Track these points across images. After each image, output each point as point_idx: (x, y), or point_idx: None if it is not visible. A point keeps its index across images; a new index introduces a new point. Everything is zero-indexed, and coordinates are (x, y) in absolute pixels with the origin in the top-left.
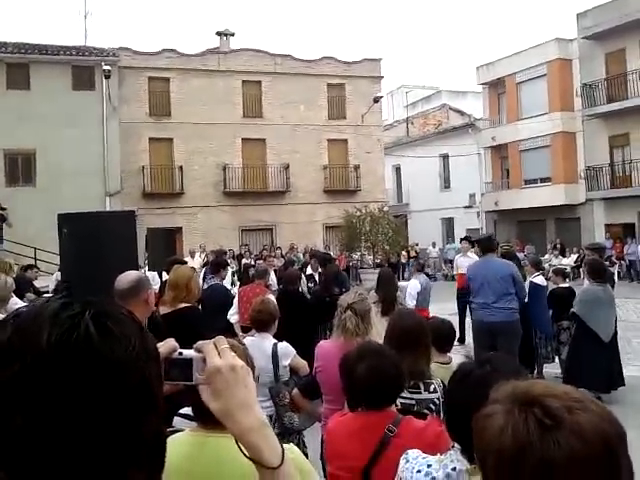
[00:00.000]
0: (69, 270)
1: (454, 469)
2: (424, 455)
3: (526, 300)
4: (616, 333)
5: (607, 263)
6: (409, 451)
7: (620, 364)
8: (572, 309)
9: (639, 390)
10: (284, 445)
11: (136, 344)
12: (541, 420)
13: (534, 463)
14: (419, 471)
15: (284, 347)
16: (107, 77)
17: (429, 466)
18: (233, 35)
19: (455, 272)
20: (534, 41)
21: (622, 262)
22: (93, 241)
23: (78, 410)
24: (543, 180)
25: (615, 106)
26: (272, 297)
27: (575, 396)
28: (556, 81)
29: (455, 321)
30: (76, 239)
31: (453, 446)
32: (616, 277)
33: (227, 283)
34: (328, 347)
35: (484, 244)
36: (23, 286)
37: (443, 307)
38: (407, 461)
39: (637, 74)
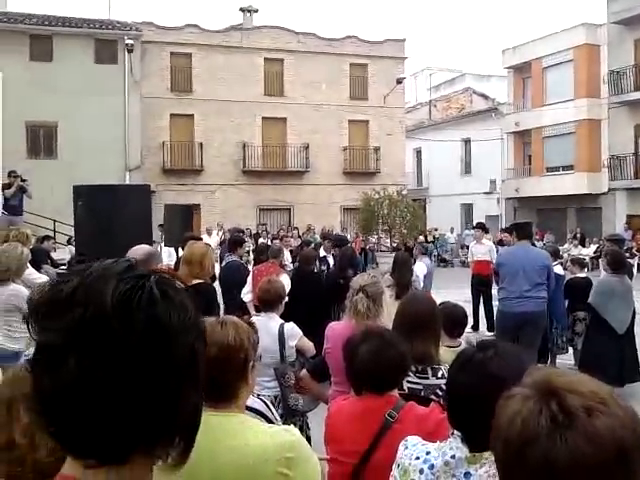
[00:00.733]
0: (83, 243)
1: (453, 457)
2: (424, 442)
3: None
4: (632, 325)
5: (627, 255)
6: (409, 437)
7: (637, 357)
8: (588, 300)
9: None
10: (286, 427)
11: (191, 316)
12: (554, 415)
13: (536, 459)
14: (417, 458)
15: (291, 328)
16: (130, 51)
17: (428, 453)
18: (257, 11)
19: (470, 259)
20: (562, 25)
21: None
22: (108, 214)
23: (128, 364)
24: (565, 168)
25: None
26: (286, 276)
27: (602, 396)
28: (583, 67)
29: (469, 308)
30: (91, 212)
31: (452, 433)
32: (635, 269)
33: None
34: (339, 329)
35: (521, 230)
36: (39, 257)
37: (460, 293)
38: (406, 447)
39: None
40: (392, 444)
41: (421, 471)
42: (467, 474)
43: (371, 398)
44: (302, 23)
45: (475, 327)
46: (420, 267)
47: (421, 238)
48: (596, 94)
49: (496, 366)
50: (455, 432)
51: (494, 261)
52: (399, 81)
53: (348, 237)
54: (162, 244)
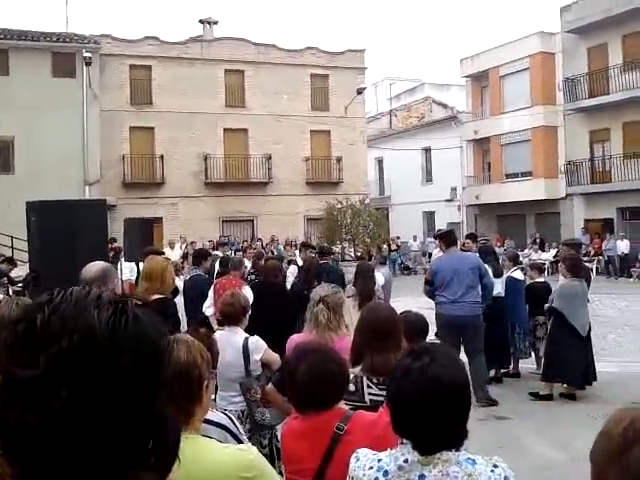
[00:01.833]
0: (37, 260)
1: (406, 460)
2: (374, 452)
3: (500, 292)
4: (590, 328)
5: (586, 259)
6: (359, 450)
7: (593, 359)
8: (548, 304)
9: (614, 385)
10: (243, 446)
11: (166, 334)
12: None
13: (639, 458)
14: (371, 467)
15: (255, 341)
16: (88, 64)
17: (379, 461)
18: (216, 23)
19: None
20: (518, 34)
21: (600, 258)
22: (62, 230)
23: (123, 388)
24: (524, 174)
25: (596, 101)
26: (249, 289)
27: None
28: (539, 75)
29: (432, 315)
30: (44, 228)
31: (402, 442)
32: (594, 273)
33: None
34: (299, 340)
35: (447, 238)
36: None
37: (421, 301)
38: (357, 459)
39: (618, 69)
40: (344, 456)
41: (376, 479)
42: (422, 476)
43: (318, 414)
44: (262, 34)
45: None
46: (378, 277)
47: (385, 247)
48: (552, 101)
49: (435, 370)
50: (404, 440)
51: None
52: (359, 91)
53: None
54: (123, 259)
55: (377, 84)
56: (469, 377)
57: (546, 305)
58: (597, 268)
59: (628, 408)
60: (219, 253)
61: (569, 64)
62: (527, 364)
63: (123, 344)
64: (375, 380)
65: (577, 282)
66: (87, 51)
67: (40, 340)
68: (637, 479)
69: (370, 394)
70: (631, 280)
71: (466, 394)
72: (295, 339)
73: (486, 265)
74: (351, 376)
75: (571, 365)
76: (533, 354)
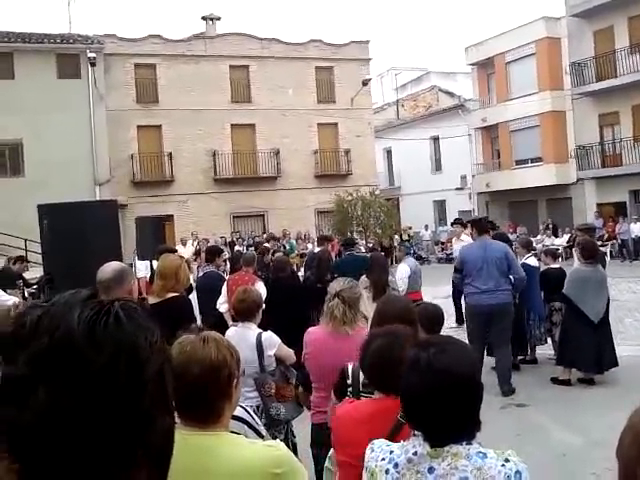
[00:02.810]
0: (51, 262)
1: (415, 453)
2: (388, 443)
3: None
4: (607, 313)
5: (600, 243)
6: (375, 441)
7: (612, 345)
8: (563, 290)
9: (632, 369)
10: (272, 442)
11: (157, 338)
12: None
13: None
14: (383, 459)
15: (269, 337)
16: (92, 65)
17: (391, 452)
18: (219, 19)
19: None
20: (522, 20)
21: (614, 241)
22: (74, 232)
23: (99, 389)
24: (534, 160)
25: (604, 84)
26: (262, 285)
27: None
28: (545, 60)
29: (448, 304)
30: (57, 230)
31: (414, 433)
32: (608, 257)
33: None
34: (316, 334)
35: (479, 225)
36: (6, 279)
37: (437, 290)
38: (372, 450)
39: (625, 52)
40: None
41: (387, 471)
42: (431, 469)
43: (380, 400)
44: (265, 29)
45: (460, 321)
46: (403, 268)
47: (396, 237)
48: (559, 86)
49: (443, 361)
50: (416, 432)
51: None
52: (365, 82)
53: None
54: (136, 258)
55: (382, 75)
56: (494, 369)
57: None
58: (611, 252)
59: None
60: (267, 245)
61: (575, 48)
62: (544, 350)
63: (100, 344)
64: None
65: (590, 267)
66: (91, 51)
67: (25, 339)
68: None
69: None
70: None
71: (475, 385)
72: (311, 332)
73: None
74: None
75: (582, 351)
76: (550, 340)
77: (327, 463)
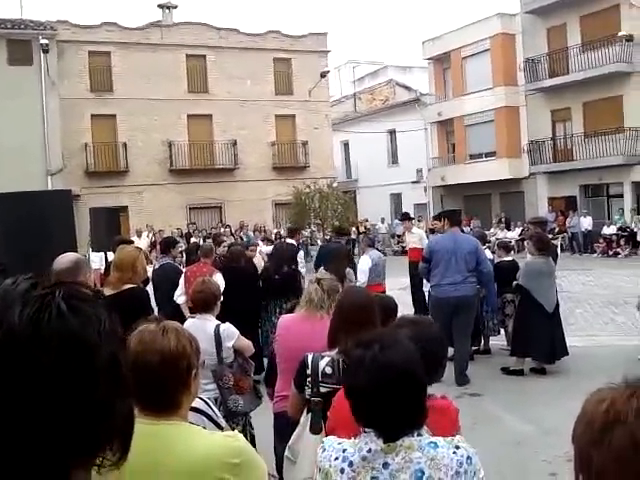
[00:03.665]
0: (3, 252)
1: (369, 450)
2: (339, 441)
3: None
4: (558, 304)
5: (550, 236)
6: (325, 439)
7: (563, 334)
8: (516, 282)
9: (583, 359)
10: (230, 433)
11: (106, 325)
12: None
13: (622, 437)
14: (337, 458)
15: (227, 328)
16: (45, 51)
17: (344, 451)
18: (176, 8)
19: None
20: (479, 15)
21: (565, 234)
22: (27, 222)
23: (50, 384)
24: (488, 155)
25: (557, 81)
26: (220, 276)
27: None
28: (500, 56)
29: (406, 295)
30: (8, 220)
31: (364, 431)
32: (559, 249)
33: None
34: (290, 317)
35: (452, 218)
36: None
37: (395, 282)
38: (324, 450)
39: (577, 49)
40: None
41: (342, 470)
42: (386, 464)
43: None
44: (223, 19)
45: (425, 313)
46: (364, 260)
47: (353, 230)
48: (513, 82)
49: (387, 357)
50: (366, 429)
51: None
52: (323, 75)
53: (281, 232)
54: (90, 250)
55: (340, 67)
56: (450, 359)
57: (514, 282)
58: (562, 245)
59: (607, 388)
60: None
61: (529, 44)
62: (497, 341)
63: (45, 340)
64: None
65: (543, 259)
66: (44, 38)
67: None
68: (620, 459)
69: None
70: (594, 256)
71: (419, 375)
72: (286, 316)
73: None
74: (328, 359)
75: (537, 341)
76: (503, 331)
77: (287, 452)
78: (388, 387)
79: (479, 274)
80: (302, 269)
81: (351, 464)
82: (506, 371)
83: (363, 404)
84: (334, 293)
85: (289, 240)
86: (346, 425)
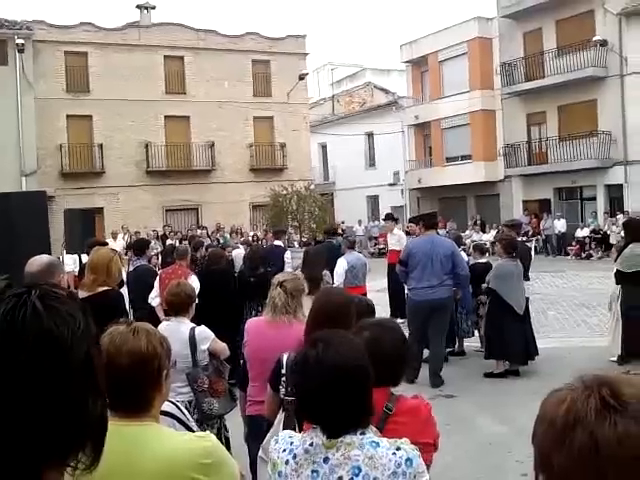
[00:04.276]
0: None
1: (312, 444)
2: (291, 434)
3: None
4: (527, 305)
5: (525, 238)
6: (280, 432)
7: (533, 335)
8: (485, 285)
9: (555, 360)
10: (201, 434)
11: (81, 325)
12: (605, 398)
13: (582, 437)
14: (284, 450)
15: (202, 331)
16: (20, 51)
17: (291, 443)
18: (154, 8)
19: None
20: (456, 19)
21: (539, 237)
22: (0, 223)
23: (24, 383)
24: (464, 158)
25: (532, 85)
26: (195, 278)
27: None
28: (476, 60)
29: (382, 297)
30: None
31: (313, 426)
32: (533, 252)
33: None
34: (256, 322)
35: (428, 221)
36: None
37: (370, 284)
38: (276, 442)
39: (553, 53)
40: (393, 437)
41: (287, 462)
42: (326, 459)
43: None
44: (201, 20)
45: (403, 315)
46: (341, 263)
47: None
48: (490, 86)
49: (329, 357)
50: (314, 425)
51: None
52: (301, 77)
53: (258, 234)
54: (64, 252)
55: (319, 70)
56: (425, 361)
57: (483, 285)
58: (536, 247)
59: (565, 388)
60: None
61: (506, 49)
62: (471, 342)
63: (20, 338)
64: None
65: (512, 262)
66: (19, 37)
67: None
68: (581, 461)
69: None
70: (568, 258)
71: (365, 376)
72: (252, 321)
73: None
74: None
75: (512, 343)
76: (477, 332)
77: (260, 453)
78: (329, 386)
79: (456, 277)
80: (288, 269)
81: (295, 456)
82: (489, 376)
83: (307, 401)
84: (299, 294)
85: (276, 242)
86: None
